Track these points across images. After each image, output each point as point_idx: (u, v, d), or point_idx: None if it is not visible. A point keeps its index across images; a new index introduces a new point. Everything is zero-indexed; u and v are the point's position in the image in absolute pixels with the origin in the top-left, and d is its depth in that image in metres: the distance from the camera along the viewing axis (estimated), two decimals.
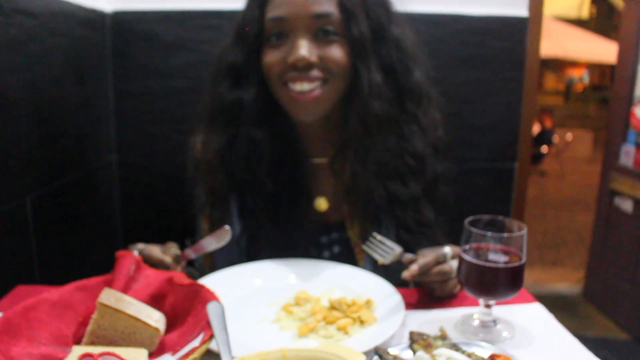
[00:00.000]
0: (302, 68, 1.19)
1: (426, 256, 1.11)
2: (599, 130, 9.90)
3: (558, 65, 14.32)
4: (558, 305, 3.83)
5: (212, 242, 1.13)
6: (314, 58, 1.18)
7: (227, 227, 1.11)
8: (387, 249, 1.15)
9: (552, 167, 9.04)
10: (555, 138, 9.29)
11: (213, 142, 1.33)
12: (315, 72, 1.20)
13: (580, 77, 15.52)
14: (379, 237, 1.17)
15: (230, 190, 1.34)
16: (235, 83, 1.29)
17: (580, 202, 7.06)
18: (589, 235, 4.03)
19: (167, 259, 1.14)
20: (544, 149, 8.75)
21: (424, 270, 1.10)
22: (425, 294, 1.20)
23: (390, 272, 1.23)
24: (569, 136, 9.77)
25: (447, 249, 1.13)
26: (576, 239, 5.69)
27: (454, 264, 1.12)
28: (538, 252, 5.24)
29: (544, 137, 8.69)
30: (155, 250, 1.16)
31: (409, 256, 1.14)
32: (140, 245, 1.16)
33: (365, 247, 1.18)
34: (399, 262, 1.15)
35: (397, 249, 1.14)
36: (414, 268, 1.09)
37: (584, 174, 8.53)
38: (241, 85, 1.28)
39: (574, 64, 14.66)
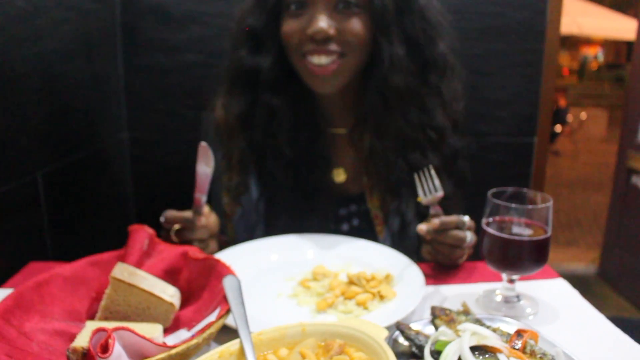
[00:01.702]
0: (320, 41, 1.17)
1: (449, 217, 1.10)
2: (614, 109, 9.76)
3: (572, 43, 14.09)
4: (573, 285, 3.78)
5: (203, 168, 1.12)
6: (332, 31, 1.16)
7: (203, 144, 1.11)
8: (432, 188, 1.11)
9: (565, 146, 8.93)
10: (569, 117, 9.17)
11: (233, 106, 1.32)
12: (333, 46, 1.18)
13: (595, 55, 15.28)
14: (433, 171, 1.13)
15: (250, 151, 1.33)
16: (254, 48, 1.28)
17: (595, 181, 6.97)
18: (603, 215, 3.96)
19: (187, 213, 1.16)
20: (558, 128, 8.64)
21: (444, 228, 1.08)
22: (429, 259, 1.20)
23: (408, 247, 1.21)
24: (583, 115, 9.65)
25: (467, 218, 1.11)
26: (590, 219, 5.63)
27: (467, 234, 1.11)
28: (552, 232, 5.19)
29: (558, 116, 8.57)
30: (174, 211, 1.18)
31: (437, 211, 1.11)
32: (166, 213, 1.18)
33: (415, 177, 1.14)
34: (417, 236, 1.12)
35: (440, 193, 1.11)
36: (435, 222, 1.08)
37: (599, 154, 8.42)
38: (260, 51, 1.27)
39: (588, 42, 14.42)
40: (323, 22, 1.15)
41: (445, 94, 1.31)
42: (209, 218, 1.22)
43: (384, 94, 1.24)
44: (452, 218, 1.10)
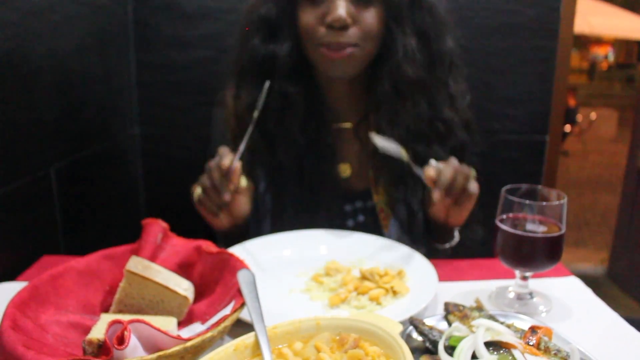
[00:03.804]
0: (338, 28, 1.19)
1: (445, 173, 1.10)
2: (624, 109, 9.70)
3: (582, 42, 14.00)
4: None
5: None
6: (350, 19, 1.19)
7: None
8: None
9: (575, 146, 8.87)
10: (579, 117, 9.10)
11: (244, 96, 1.33)
12: (349, 34, 1.20)
13: (605, 55, 15.18)
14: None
15: (260, 140, 1.33)
16: (268, 37, 1.28)
17: (603, 182, 6.91)
18: (612, 216, 3.93)
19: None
20: (567, 127, 8.57)
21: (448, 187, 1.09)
22: (439, 218, 1.24)
23: (416, 236, 1.26)
24: (592, 115, 9.57)
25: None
26: (599, 220, 5.59)
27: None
28: None
29: (567, 115, 8.50)
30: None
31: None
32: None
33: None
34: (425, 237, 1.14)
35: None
36: (437, 195, 1.08)
37: (608, 154, 8.36)
38: (275, 39, 1.28)
39: (598, 41, 14.33)
40: (342, 10, 1.17)
41: (453, 88, 1.33)
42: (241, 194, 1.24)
43: (396, 84, 1.26)
44: (449, 172, 1.09)
